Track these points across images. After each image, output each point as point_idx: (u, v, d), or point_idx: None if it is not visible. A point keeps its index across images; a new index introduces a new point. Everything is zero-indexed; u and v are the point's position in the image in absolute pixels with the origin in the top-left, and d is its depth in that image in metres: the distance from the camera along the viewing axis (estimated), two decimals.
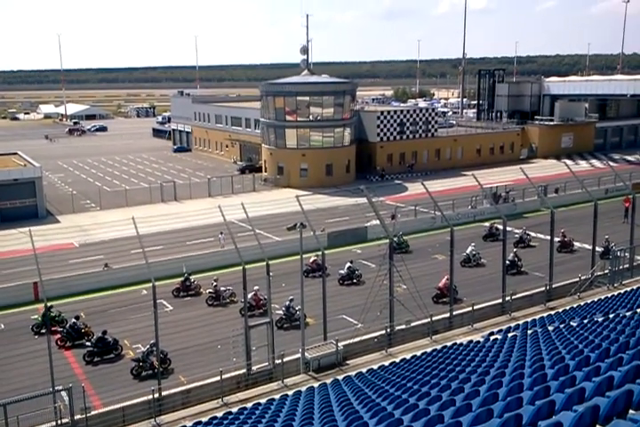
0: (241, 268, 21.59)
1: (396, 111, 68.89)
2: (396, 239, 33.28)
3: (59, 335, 26.42)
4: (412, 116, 68.46)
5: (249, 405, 18.31)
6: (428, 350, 21.13)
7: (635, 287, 26.20)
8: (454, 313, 25.84)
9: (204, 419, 17.51)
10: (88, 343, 25.38)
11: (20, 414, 17.61)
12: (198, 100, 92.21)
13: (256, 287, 28.10)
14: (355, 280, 33.09)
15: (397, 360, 20.51)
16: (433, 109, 74.85)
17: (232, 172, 68.14)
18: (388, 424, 10.13)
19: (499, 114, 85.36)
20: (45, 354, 20.04)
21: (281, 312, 27.53)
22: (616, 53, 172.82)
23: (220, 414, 17.73)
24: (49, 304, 24.28)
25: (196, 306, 30.71)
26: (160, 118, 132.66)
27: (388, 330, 23.76)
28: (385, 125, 66.46)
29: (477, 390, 11.26)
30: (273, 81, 67.71)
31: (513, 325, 22.96)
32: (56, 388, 18.95)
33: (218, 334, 26.26)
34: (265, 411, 16.29)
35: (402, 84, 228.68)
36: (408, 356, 20.76)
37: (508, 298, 26.36)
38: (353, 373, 20.05)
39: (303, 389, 18.69)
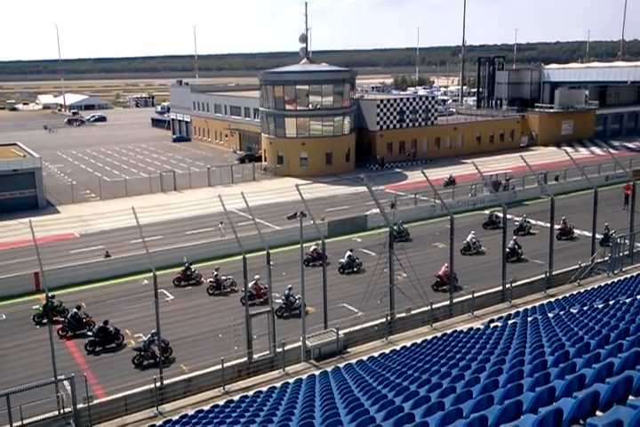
0: (241, 257, 21.60)
1: (395, 99, 68.64)
2: (395, 228, 33.25)
3: (60, 325, 26.49)
4: (411, 104, 68.22)
5: (250, 393, 18.39)
6: (429, 337, 21.19)
7: (635, 274, 26.22)
8: (454, 301, 25.90)
9: (206, 407, 17.62)
10: (89, 333, 25.46)
11: (22, 404, 17.67)
12: (197, 90, 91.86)
13: (257, 276, 28.14)
14: (355, 269, 33.13)
15: (398, 348, 20.58)
16: (433, 97, 74.59)
17: (232, 161, 68.06)
18: (388, 412, 10.17)
19: (499, 101, 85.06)
20: (47, 344, 20.09)
21: (280, 301, 27.60)
22: (616, 40, 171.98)
23: (221, 403, 17.84)
24: (50, 294, 24.33)
25: (197, 295, 30.78)
26: (159, 108, 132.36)
27: (389, 318, 23.82)
28: (385, 114, 66.24)
29: (478, 377, 11.29)
30: (272, 70, 67.37)
31: (513, 312, 23.01)
32: (58, 377, 19.01)
33: (219, 323, 26.34)
34: (266, 399, 16.37)
35: (401, 72, 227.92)
36: (408, 344, 20.83)
37: (508, 285, 26.41)
38: (354, 360, 20.14)
39: (304, 377, 18.77)
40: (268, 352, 22.00)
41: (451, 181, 50.65)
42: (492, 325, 20.93)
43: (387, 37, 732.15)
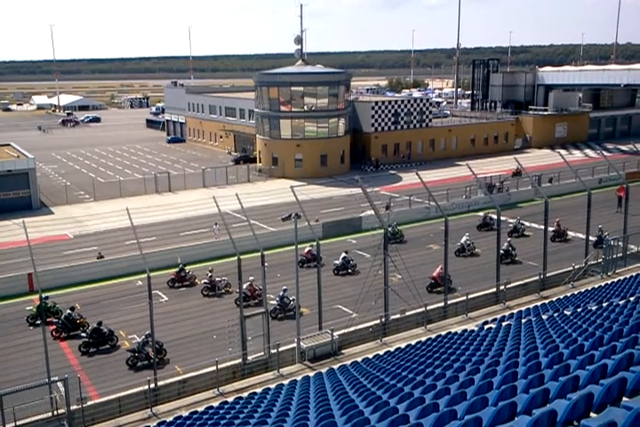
0: (236, 258, 21.58)
1: (390, 101, 68.72)
2: (390, 229, 33.33)
3: (54, 326, 26.43)
4: (406, 106, 68.31)
5: (245, 394, 18.38)
6: (423, 339, 21.21)
7: (628, 276, 26.32)
8: (449, 302, 25.95)
9: (200, 409, 17.58)
10: (83, 334, 25.37)
11: (16, 405, 17.63)
12: (192, 91, 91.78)
13: (251, 278, 28.12)
14: (349, 270, 33.15)
15: (392, 349, 20.59)
16: (427, 100, 74.67)
17: (226, 162, 67.99)
18: (383, 413, 10.17)
19: (493, 104, 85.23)
20: (41, 345, 20.05)
21: (275, 302, 27.58)
22: (610, 43, 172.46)
23: (215, 404, 17.81)
24: (44, 295, 24.25)
25: (192, 297, 30.73)
26: (154, 109, 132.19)
27: (383, 319, 23.82)
28: (379, 116, 66.32)
29: (472, 378, 11.31)
30: (267, 71, 67.40)
31: (507, 314, 23.06)
32: (52, 379, 18.96)
33: (213, 325, 26.33)
34: (261, 400, 16.35)
35: (396, 74, 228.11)
36: (403, 345, 20.85)
37: (502, 287, 26.47)
38: (348, 362, 20.13)
39: (299, 378, 18.76)
40: (262, 354, 21.97)
41: (518, 172, 51.64)
42: (486, 326, 20.96)
43: (382, 39, 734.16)
